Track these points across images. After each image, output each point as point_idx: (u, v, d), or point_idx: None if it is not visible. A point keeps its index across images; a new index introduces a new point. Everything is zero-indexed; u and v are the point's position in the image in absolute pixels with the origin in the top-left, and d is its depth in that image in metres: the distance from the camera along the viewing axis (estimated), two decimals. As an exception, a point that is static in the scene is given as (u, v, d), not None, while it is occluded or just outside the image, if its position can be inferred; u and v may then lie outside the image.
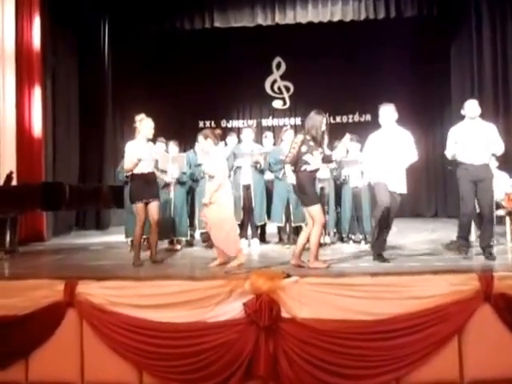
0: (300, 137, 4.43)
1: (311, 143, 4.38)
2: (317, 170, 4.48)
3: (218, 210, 4.56)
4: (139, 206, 4.81)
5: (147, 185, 4.81)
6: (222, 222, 4.55)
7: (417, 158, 4.62)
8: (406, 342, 3.48)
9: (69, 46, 9.12)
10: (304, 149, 4.34)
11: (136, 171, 4.82)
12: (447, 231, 6.74)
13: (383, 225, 4.52)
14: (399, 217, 5.31)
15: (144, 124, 4.82)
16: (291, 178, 4.42)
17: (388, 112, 4.62)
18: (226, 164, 4.82)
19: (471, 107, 4.71)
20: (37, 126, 7.48)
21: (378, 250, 4.56)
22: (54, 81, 8.35)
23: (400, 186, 4.57)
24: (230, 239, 4.57)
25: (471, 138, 4.62)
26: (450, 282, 3.60)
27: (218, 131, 4.96)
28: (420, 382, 3.51)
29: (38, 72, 7.50)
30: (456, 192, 4.98)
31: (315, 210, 4.34)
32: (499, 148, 4.71)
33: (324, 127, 4.52)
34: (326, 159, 4.61)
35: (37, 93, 7.47)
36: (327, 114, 10.97)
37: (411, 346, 3.48)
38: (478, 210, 6.14)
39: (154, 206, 4.83)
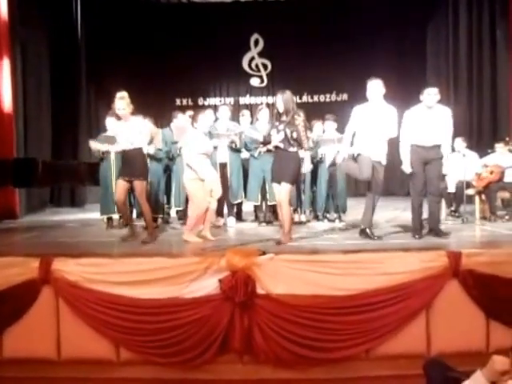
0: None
1: (276, 123, 4.63)
2: (277, 148, 4.61)
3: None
4: (117, 182, 4.73)
5: (128, 162, 4.70)
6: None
7: (396, 134, 4.67)
8: (377, 316, 3.60)
9: (39, 17, 8.76)
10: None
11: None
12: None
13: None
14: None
15: (116, 104, 4.74)
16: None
17: (376, 86, 4.62)
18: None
19: (430, 97, 4.62)
20: (6, 100, 7.22)
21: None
22: (24, 53, 8.02)
23: (381, 157, 4.63)
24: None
25: (423, 120, 4.65)
26: (420, 258, 3.71)
27: (189, 112, 4.98)
28: (389, 354, 3.65)
29: (5, 42, 7.19)
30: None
31: None
32: (447, 134, 4.69)
33: (281, 108, 4.55)
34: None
35: (5, 64, 7.19)
36: (306, 93, 10.96)
37: (381, 319, 3.60)
38: (449, 190, 6.34)
39: (136, 186, 4.69)
